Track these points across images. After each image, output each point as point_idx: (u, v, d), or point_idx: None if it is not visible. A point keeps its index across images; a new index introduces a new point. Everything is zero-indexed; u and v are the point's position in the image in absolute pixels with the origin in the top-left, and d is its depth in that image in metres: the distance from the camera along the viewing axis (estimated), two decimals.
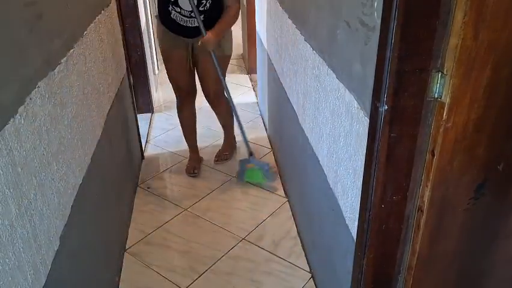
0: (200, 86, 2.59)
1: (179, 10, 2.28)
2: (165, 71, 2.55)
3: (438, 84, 0.91)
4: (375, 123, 0.98)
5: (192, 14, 2.26)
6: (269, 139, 3.07)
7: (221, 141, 2.90)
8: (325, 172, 1.50)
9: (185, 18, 2.30)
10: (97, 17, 1.83)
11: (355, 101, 1.14)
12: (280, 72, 2.33)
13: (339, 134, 1.31)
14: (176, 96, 2.63)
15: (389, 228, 1.10)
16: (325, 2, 1.37)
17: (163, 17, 2.35)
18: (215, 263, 2.00)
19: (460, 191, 1.04)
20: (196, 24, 2.27)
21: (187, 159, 2.81)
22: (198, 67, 2.50)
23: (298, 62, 1.84)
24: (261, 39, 3.12)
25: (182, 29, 2.33)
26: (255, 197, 2.49)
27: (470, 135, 0.96)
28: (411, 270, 1.15)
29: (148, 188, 2.58)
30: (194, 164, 2.75)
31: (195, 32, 2.31)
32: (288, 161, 2.38)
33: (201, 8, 2.27)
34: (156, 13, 2.40)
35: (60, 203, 1.20)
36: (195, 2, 2.22)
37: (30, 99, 1.03)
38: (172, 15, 2.30)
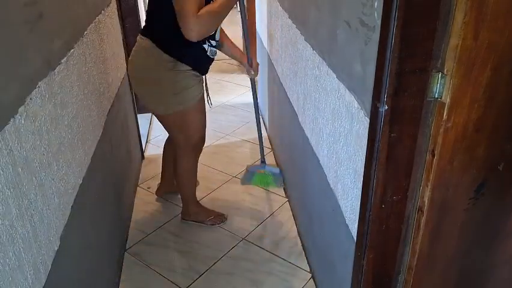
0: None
1: (214, 43, 1.90)
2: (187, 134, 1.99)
3: (438, 85, 0.91)
4: (376, 124, 0.98)
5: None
6: (269, 139, 3.07)
7: (222, 140, 2.84)
8: (325, 172, 1.50)
9: (214, 50, 1.92)
10: (97, 17, 1.82)
11: (355, 101, 1.14)
12: (280, 72, 2.33)
13: (339, 134, 1.31)
14: (196, 151, 2.10)
15: (389, 229, 1.10)
16: (325, 2, 1.37)
17: (198, 60, 1.87)
18: (215, 263, 2.00)
19: (460, 191, 1.04)
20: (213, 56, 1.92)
21: None
22: None
23: (298, 62, 1.84)
24: (261, 39, 3.12)
25: (209, 66, 1.97)
26: (255, 197, 2.49)
27: (470, 135, 0.97)
28: (411, 270, 1.15)
29: (148, 188, 2.58)
30: (217, 213, 2.31)
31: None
32: (288, 161, 2.38)
33: (217, 37, 1.92)
34: (173, 62, 1.78)
35: (61, 203, 1.20)
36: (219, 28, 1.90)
37: (31, 99, 1.03)
38: (208, 53, 1.87)
